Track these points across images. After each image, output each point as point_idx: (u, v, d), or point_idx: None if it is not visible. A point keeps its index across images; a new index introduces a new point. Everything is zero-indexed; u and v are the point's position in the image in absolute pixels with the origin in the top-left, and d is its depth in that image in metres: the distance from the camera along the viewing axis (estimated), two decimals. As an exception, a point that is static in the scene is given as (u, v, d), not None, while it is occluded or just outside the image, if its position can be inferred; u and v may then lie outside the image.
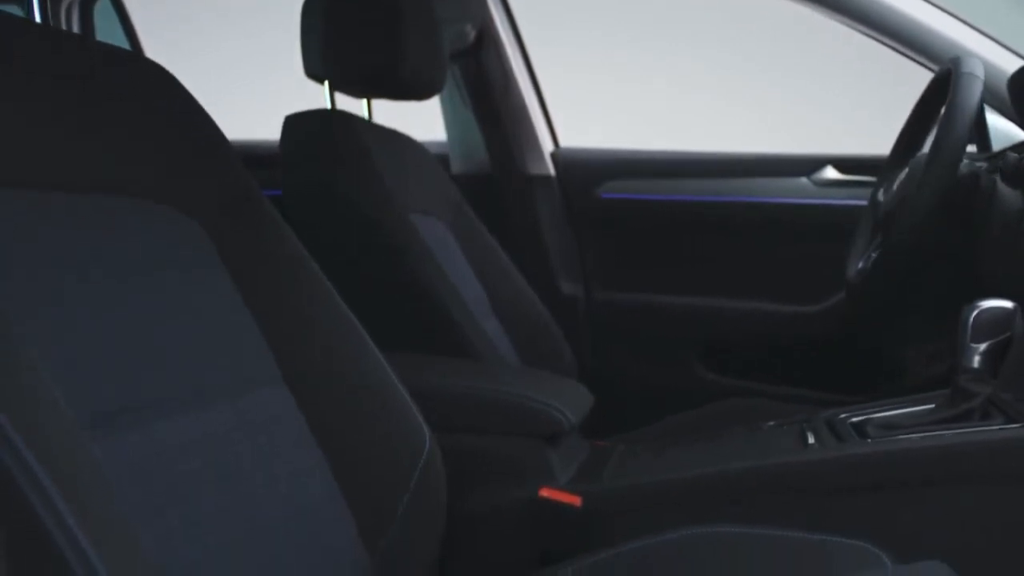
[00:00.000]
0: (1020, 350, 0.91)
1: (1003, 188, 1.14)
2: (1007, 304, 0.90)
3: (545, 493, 0.92)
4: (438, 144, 1.84)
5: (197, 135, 0.82)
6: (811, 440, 0.92)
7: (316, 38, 1.31)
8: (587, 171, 1.78)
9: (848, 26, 1.44)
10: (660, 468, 0.97)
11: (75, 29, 1.81)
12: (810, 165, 1.69)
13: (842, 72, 2.28)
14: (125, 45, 1.92)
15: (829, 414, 0.99)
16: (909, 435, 0.88)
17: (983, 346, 0.89)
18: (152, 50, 1.95)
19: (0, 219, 0.60)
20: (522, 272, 1.57)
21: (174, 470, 0.64)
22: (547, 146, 1.84)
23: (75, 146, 0.69)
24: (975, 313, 0.90)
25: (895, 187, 1.26)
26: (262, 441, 0.74)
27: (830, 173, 1.69)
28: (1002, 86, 1.25)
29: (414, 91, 1.41)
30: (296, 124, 1.28)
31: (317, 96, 1.39)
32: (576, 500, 0.91)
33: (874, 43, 1.44)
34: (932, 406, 0.96)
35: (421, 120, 1.70)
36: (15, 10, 1.61)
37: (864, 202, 1.40)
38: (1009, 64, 1.31)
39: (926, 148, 1.21)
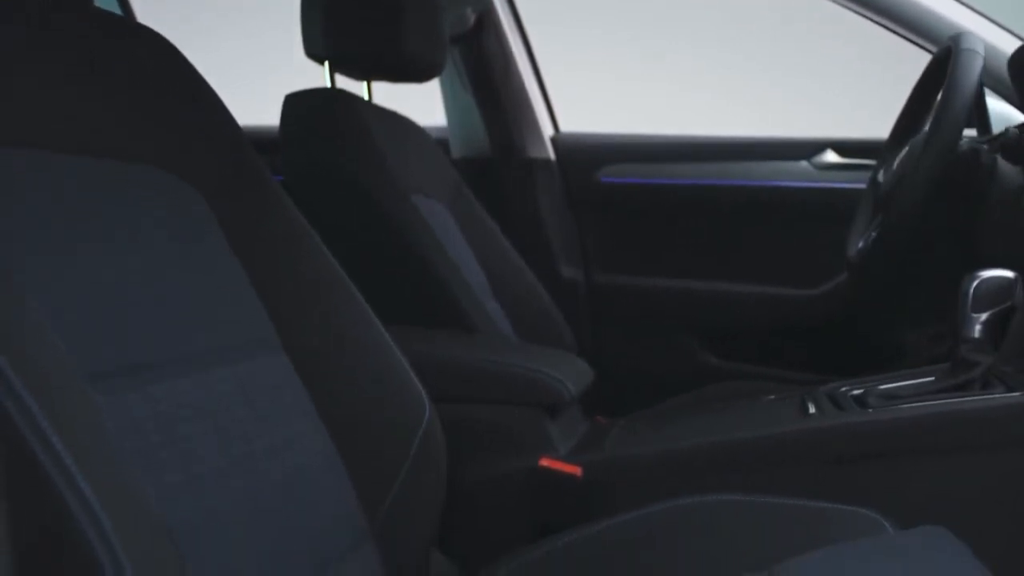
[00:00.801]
0: (1021, 323, 0.91)
1: (1003, 165, 1.15)
2: (1008, 274, 0.90)
3: (545, 463, 0.92)
4: (438, 129, 1.84)
5: (199, 105, 0.82)
6: (812, 410, 0.92)
7: (317, 17, 1.31)
8: (587, 155, 1.78)
9: (848, 8, 1.44)
10: (661, 439, 0.97)
11: None
12: (810, 148, 1.69)
13: (843, 56, 2.28)
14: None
15: (830, 387, 0.99)
16: (910, 404, 0.88)
17: (984, 316, 0.89)
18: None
19: (3, 176, 0.60)
20: (522, 256, 1.57)
21: (173, 431, 0.64)
22: (547, 130, 1.84)
23: (81, 110, 0.69)
24: (976, 283, 0.90)
25: (895, 166, 1.26)
26: (261, 406, 0.74)
27: (830, 156, 1.69)
28: (1002, 68, 1.25)
29: (414, 73, 1.42)
30: (296, 102, 1.28)
31: (316, 83, 1.39)
32: (576, 470, 0.91)
33: (874, 27, 1.44)
34: (932, 378, 0.96)
35: (420, 107, 1.70)
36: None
37: (864, 185, 1.41)
38: (1009, 46, 1.32)
39: (927, 128, 1.21)
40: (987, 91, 1.34)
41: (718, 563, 0.77)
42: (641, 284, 1.73)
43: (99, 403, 0.57)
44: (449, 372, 0.97)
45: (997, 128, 1.26)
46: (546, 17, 1.95)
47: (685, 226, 1.72)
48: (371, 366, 0.84)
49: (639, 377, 1.66)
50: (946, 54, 1.20)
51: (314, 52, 1.36)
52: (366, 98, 1.45)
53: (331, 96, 1.31)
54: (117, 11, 1.93)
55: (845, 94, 2.38)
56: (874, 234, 1.23)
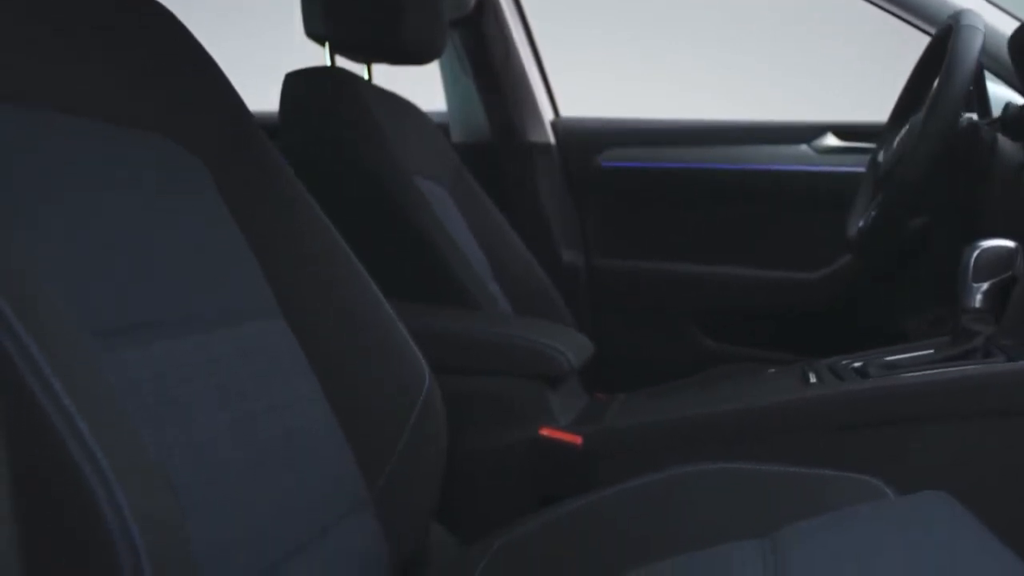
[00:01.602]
0: (1022, 294, 0.91)
1: (1004, 142, 1.14)
2: (1009, 243, 0.90)
3: (545, 433, 0.92)
4: (438, 114, 1.84)
5: (200, 74, 0.82)
6: (812, 380, 0.92)
7: None
8: (587, 139, 1.78)
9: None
10: (661, 410, 0.96)
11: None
12: (810, 132, 1.69)
13: (844, 39, 2.28)
14: None
15: (831, 360, 0.99)
16: (910, 372, 0.87)
17: (984, 286, 0.89)
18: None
19: (4, 131, 0.60)
20: (522, 240, 1.57)
21: (172, 388, 0.64)
22: (547, 115, 1.84)
23: (83, 73, 0.69)
24: (976, 253, 0.89)
25: (895, 145, 1.26)
26: (260, 368, 0.73)
27: (830, 140, 1.69)
28: (1001, 50, 1.25)
29: (414, 55, 1.41)
30: (296, 80, 1.28)
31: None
32: (577, 439, 0.91)
33: (876, 12, 1.44)
34: (932, 351, 0.96)
35: (418, 95, 1.69)
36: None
37: (864, 169, 1.41)
38: (1009, 28, 1.31)
39: (927, 104, 1.21)
40: (987, 75, 1.34)
41: (719, 530, 0.76)
42: (641, 268, 1.73)
43: (100, 357, 0.57)
44: (449, 343, 0.96)
45: (997, 113, 1.27)
46: (544, 15, 1.94)
47: (685, 210, 1.72)
48: (370, 335, 0.84)
49: (639, 361, 1.66)
50: (946, 32, 1.20)
51: (314, 32, 1.36)
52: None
53: (331, 75, 1.30)
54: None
55: (847, 78, 2.37)
56: (873, 213, 1.23)
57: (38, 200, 0.60)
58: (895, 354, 0.99)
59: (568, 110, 1.89)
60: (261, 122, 0.98)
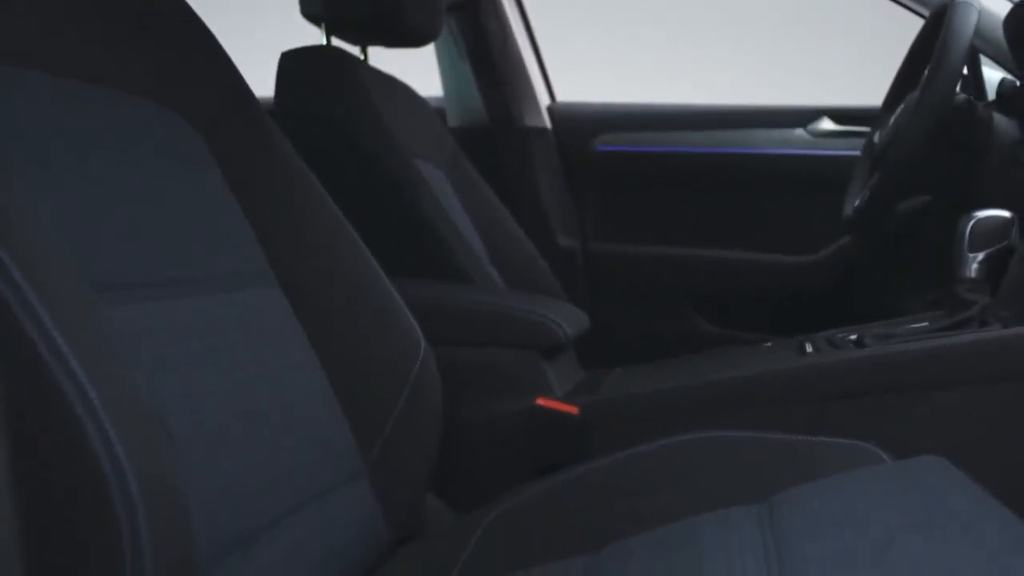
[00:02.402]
0: (1018, 265, 0.91)
1: (999, 119, 1.15)
2: (1004, 213, 0.90)
3: (542, 402, 0.92)
4: (434, 99, 1.83)
5: (196, 44, 0.82)
6: (809, 350, 0.92)
7: None
8: (583, 124, 1.78)
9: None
10: (658, 381, 0.96)
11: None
12: (806, 116, 1.69)
13: (840, 27, 2.28)
14: None
15: (828, 332, 0.99)
16: (906, 341, 0.87)
17: (980, 255, 0.88)
18: None
19: (5, 90, 0.60)
20: (519, 224, 1.57)
21: (169, 347, 0.64)
22: (543, 99, 1.84)
23: (78, 35, 0.69)
24: (972, 223, 0.89)
25: (891, 123, 1.26)
26: (255, 335, 0.73)
27: (826, 124, 1.69)
28: (995, 32, 1.25)
29: (410, 37, 1.41)
30: (293, 58, 1.28)
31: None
32: (573, 409, 0.90)
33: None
34: (927, 323, 0.96)
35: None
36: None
37: (860, 152, 1.41)
38: (1002, 10, 1.32)
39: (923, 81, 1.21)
40: (983, 60, 1.35)
41: (716, 497, 0.76)
42: (638, 252, 1.73)
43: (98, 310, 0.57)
44: (445, 315, 0.96)
45: (992, 97, 1.27)
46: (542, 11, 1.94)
47: (681, 194, 1.72)
48: (367, 305, 0.84)
49: (637, 344, 1.66)
50: (942, 11, 1.20)
51: (311, 13, 1.36)
52: (362, 64, 1.45)
53: (328, 52, 1.30)
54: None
55: (843, 64, 2.37)
56: (869, 192, 1.23)
57: (36, 159, 0.60)
58: (891, 327, 0.99)
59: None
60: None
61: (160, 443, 0.50)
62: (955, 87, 1.11)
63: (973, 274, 0.89)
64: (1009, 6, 1.41)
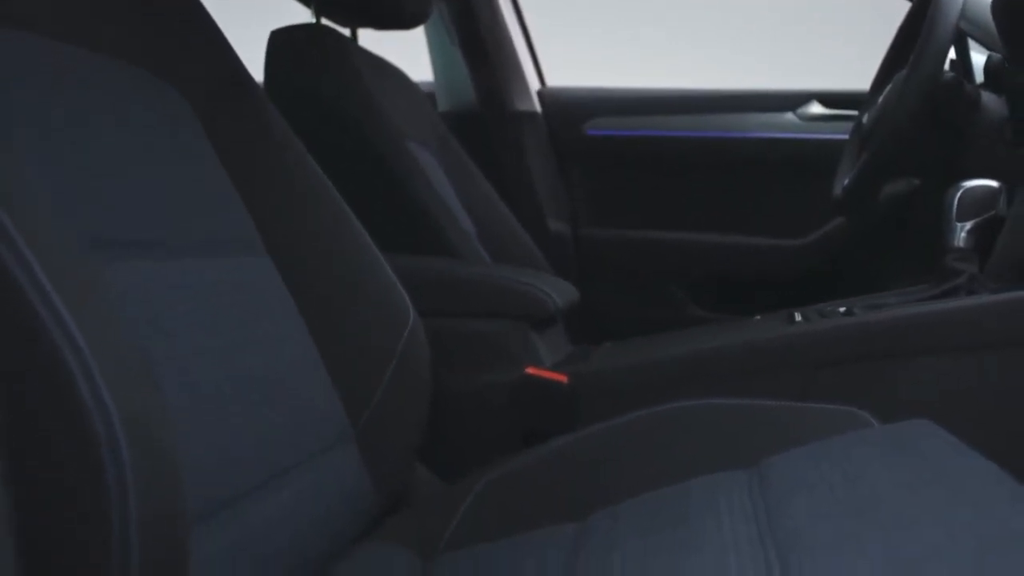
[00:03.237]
0: (1006, 235, 0.91)
1: (987, 97, 1.15)
2: (992, 183, 0.90)
3: (531, 371, 0.91)
4: (424, 84, 1.83)
5: (194, 22, 0.82)
6: (799, 319, 0.91)
7: None
8: (573, 109, 1.78)
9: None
10: (647, 351, 0.96)
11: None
12: (795, 100, 1.69)
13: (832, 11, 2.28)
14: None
15: (817, 305, 0.99)
16: (895, 309, 0.87)
17: (968, 224, 0.89)
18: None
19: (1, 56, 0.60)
20: (509, 208, 1.57)
21: (158, 307, 0.63)
22: (534, 84, 1.84)
23: (83, 4, 0.69)
24: (960, 192, 0.89)
25: (879, 103, 1.26)
26: (244, 301, 0.73)
27: (815, 108, 1.69)
28: (984, 14, 1.26)
29: (399, 19, 1.40)
30: (283, 36, 1.27)
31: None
32: (562, 378, 0.90)
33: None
34: (916, 292, 0.96)
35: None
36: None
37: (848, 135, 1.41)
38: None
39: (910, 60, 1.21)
40: (971, 44, 1.35)
41: (705, 462, 0.76)
42: (628, 236, 1.73)
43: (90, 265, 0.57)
44: (434, 285, 0.96)
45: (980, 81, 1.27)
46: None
47: (671, 178, 1.72)
48: (355, 274, 0.84)
49: (627, 328, 1.66)
50: (929, -6, 1.20)
51: (300, -8, 1.35)
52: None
53: (318, 31, 1.30)
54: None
55: (835, 48, 2.38)
56: (857, 170, 1.23)
57: (35, 121, 0.60)
58: (880, 297, 1.00)
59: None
60: None
61: (153, 402, 0.50)
62: (943, 65, 1.11)
63: (961, 243, 0.89)
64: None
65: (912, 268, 1.47)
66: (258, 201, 0.80)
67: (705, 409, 0.82)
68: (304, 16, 1.39)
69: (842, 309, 0.96)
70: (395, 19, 1.41)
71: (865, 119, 1.33)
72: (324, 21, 1.38)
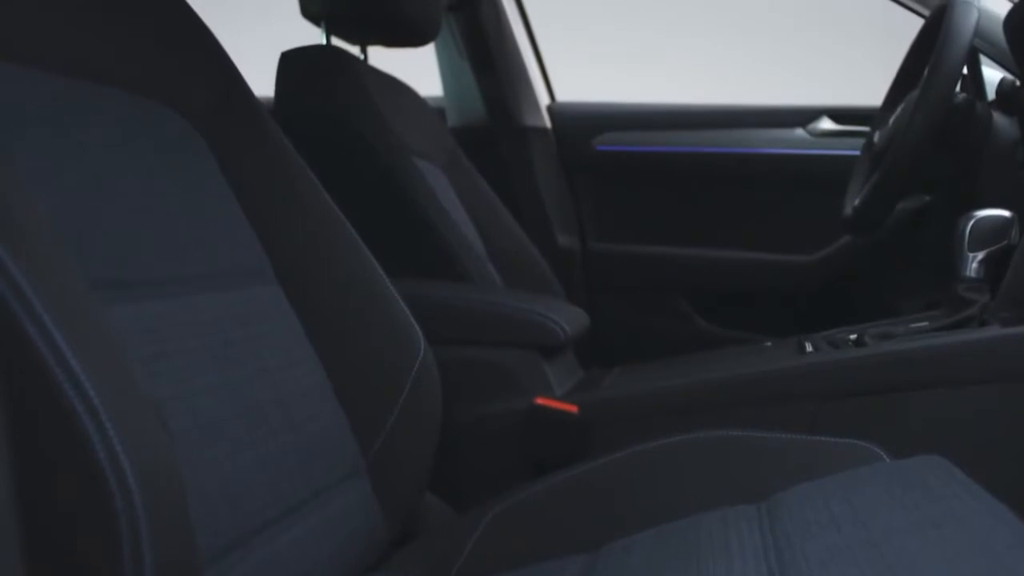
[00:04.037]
0: (1018, 264, 0.91)
1: (999, 118, 1.14)
2: (1005, 213, 0.90)
3: (541, 401, 0.91)
4: (434, 99, 1.83)
5: (193, 41, 0.82)
6: (809, 349, 0.91)
7: None
8: (583, 124, 1.78)
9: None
10: (657, 380, 0.96)
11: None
12: (805, 116, 1.69)
13: (841, 27, 2.28)
14: None
15: (827, 332, 0.99)
16: (906, 341, 0.87)
17: (980, 255, 0.88)
18: None
19: (2, 89, 0.60)
20: (518, 223, 1.57)
21: (165, 345, 0.64)
22: (543, 99, 1.84)
23: (73, 33, 0.69)
24: (972, 222, 0.89)
25: (890, 123, 1.26)
26: (255, 332, 0.73)
27: (826, 124, 1.69)
28: (995, 31, 1.25)
29: (409, 36, 1.41)
30: (293, 58, 1.28)
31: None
32: (572, 408, 0.90)
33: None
34: (926, 323, 0.96)
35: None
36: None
37: (859, 152, 1.41)
38: (1002, 9, 1.31)
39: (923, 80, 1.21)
40: (983, 60, 1.34)
41: (716, 496, 0.76)
42: (637, 252, 1.72)
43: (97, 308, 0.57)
44: (445, 314, 0.96)
45: (992, 97, 1.27)
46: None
47: (681, 194, 1.72)
48: (366, 303, 0.84)
49: (636, 343, 1.66)
50: (941, 12, 1.20)
51: (311, 12, 1.36)
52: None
53: (328, 52, 1.30)
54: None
55: (844, 65, 2.37)
56: (868, 191, 1.23)
57: (36, 156, 0.60)
58: (891, 326, 0.99)
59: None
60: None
61: (160, 442, 0.50)
62: (955, 86, 1.11)
63: (973, 273, 0.89)
64: (1009, 5, 1.41)
65: (921, 284, 1.46)
66: (270, 229, 0.80)
67: (715, 441, 0.82)
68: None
69: (853, 336, 0.96)
70: (405, 37, 1.41)
71: (876, 137, 1.33)
72: (335, 39, 1.39)
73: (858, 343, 0.92)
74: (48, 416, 0.45)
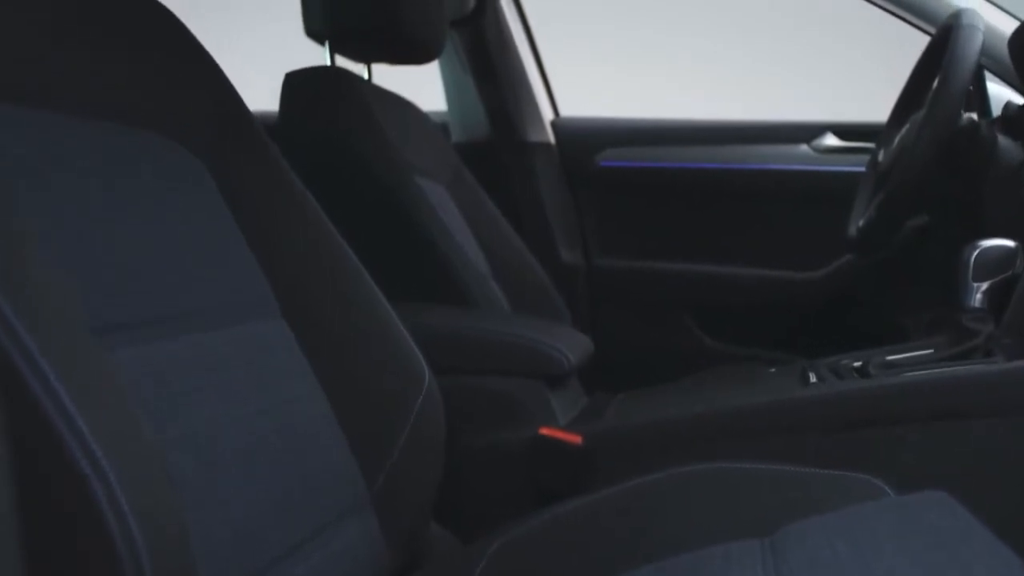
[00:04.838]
0: (1022, 297, 0.90)
1: (1004, 141, 1.14)
2: (1009, 243, 0.89)
3: (545, 432, 0.92)
4: (437, 114, 1.84)
5: (196, 70, 0.82)
6: (812, 380, 0.91)
7: None
8: (586, 139, 1.78)
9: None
10: (661, 410, 0.96)
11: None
12: (810, 132, 1.69)
13: (843, 39, 2.27)
14: None
15: (831, 359, 0.99)
16: (911, 372, 0.87)
17: (984, 285, 0.88)
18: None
19: (2, 130, 0.60)
20: (522, 239, 1.57)
21: (169, 387, 0.64)
22: (547, 114, 1.84)
23: (78, 72, 0.69)
24: (976, 252, 0.89)
25: (895, 144, 1.25)
26: (259, 367, 0.73)
27: (830, 140, 1.69)
28: (1001, 49, 1.25)
29: (414, 55, 1.41)
30: (297, 79, 1.28)
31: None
32: (576, 439, 0.90)
33: (876, 13, 1.44)
34: (932, 351, 0.96)
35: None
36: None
37: (864, 168, 1.40)
38: (1008, 27, 1.31)
39: (927, 103, 1.21)
40: (988, 76, 1.34)
41: (719, 529, 0.76)
42: (641, 268, 1.72)
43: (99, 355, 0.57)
44: (448, 343, 0.96)
45: (997, 113, 1.26)
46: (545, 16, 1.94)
47: (685, 210, 1.72)
48: (370, 334, 0.84)
49: (639, 360, 1.66)
50: (946, 32, 1.20)
51: (314, 31, 1.36)
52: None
53: (332, 74, 1.30)
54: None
55: (846, 78, 2.37)
56: (873, 212, 1.23)
57: (34, 197, 0.60)
58: (895, 353, 0.99)
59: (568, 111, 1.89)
60: (260, 122, 0.99)
61: (162, 486, 0.50)
62: (960, 107, 1.11)
63: (977, 303, 0.89)
64: (1015, 24, 1.41)
65: (923, 304, 1.46)
66: (271, 259, 0.80)
67: (719, 473, 0.82)
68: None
69: (857, 364, 0.96)
70: (409, 55, 1.41)
71: (881, 155, 1.33)
72: (339, 58, 1.39)
73: (862, 372, 0.92)
74: (50, 467, 0.45)
